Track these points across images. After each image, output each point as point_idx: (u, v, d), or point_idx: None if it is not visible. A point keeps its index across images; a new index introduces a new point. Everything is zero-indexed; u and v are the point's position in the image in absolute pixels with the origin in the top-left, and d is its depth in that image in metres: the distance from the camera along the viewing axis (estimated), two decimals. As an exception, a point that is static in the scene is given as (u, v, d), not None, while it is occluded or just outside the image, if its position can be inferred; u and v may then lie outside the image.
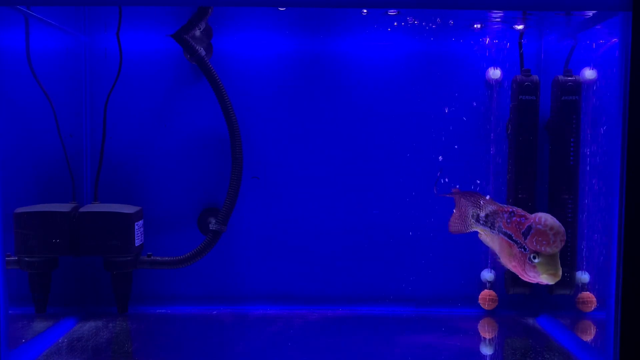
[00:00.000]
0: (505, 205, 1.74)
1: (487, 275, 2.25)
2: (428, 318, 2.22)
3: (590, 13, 1.88)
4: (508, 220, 1.70)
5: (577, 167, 2.15)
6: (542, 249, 1.57)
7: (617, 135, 1.58)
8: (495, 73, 2.22)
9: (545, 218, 1.59)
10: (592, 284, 2.17)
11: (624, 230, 1.56)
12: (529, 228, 1.60)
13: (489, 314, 2.25)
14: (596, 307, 2.16)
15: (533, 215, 1.62)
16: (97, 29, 2.23)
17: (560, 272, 1.59)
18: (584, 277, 2.17)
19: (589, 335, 2.05)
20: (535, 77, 2.15)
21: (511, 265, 1.70)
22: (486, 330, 2.14)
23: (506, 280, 2.22)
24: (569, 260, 2.15)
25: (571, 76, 2.14)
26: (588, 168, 2.16)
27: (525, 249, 1.61)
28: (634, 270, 1.56)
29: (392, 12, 2.09)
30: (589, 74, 2.15)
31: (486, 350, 1.97)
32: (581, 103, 2.14)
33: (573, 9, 1.83)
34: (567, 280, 2.14)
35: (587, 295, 2.17)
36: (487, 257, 2.27)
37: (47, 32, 2.15)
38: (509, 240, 1.69)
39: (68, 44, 2.22)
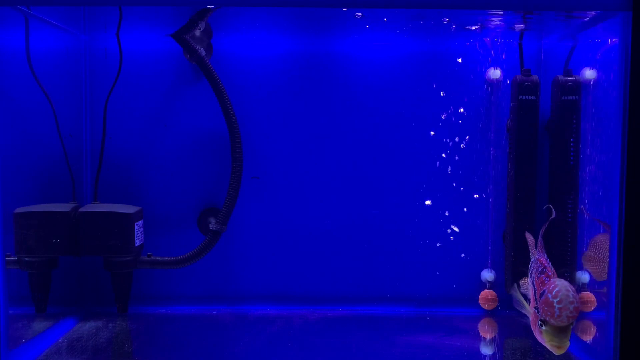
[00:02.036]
0: (545, 259, 1.68)
1: (487, 275, 2.25)
2: (428, 318, 2.22)
3: (591, 13, 1.88)
4: (538, 275, 1.64)
5: (577, 167, 2.15)
6: (548, 319, 1.51)
7: (617, 135, 1.58)
8: (495, 73, 2.22)
9: (558, 289, 1.51)
10: (592, 284, 2.17)
11: (624, 230, 1.55)
12: (543, 293, 1.54)
13: (489, 314, 2.25)
14: (596, 307, 2.16)
15: (553, 280, 1.56)
16: (97, 29, 2.23)
17: (564, 347, 1.52)
18: (584, 277, 2.17)
19: (589, 335, 2.05)
20: (535, 77, 2.15)
21: (530, 319, 1.65)
22: (486, 330, 2.14)
23: (506, 280, 2.22)
24: (569, 260, 2.15)
25: (571, 76, 2.14)
26: (588, 168, 2.16)
27: (538, 311, 1.56)
28: (634, 270, 1.56)
29: (358, 15, 2.11)
30: (589, 74, 2.15)
31: (486, 350, 1.97)
32: (581, 103, 2.14)
33: (573, 9, 1.83)
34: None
35: (587, 295, 2.17)
36: (487, 257, 2.27)
37: (47, 32, 2.15)
38: (533, 295, 1.64)
39: (68, 43, 2.22)
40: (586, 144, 2.15)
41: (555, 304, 1.50)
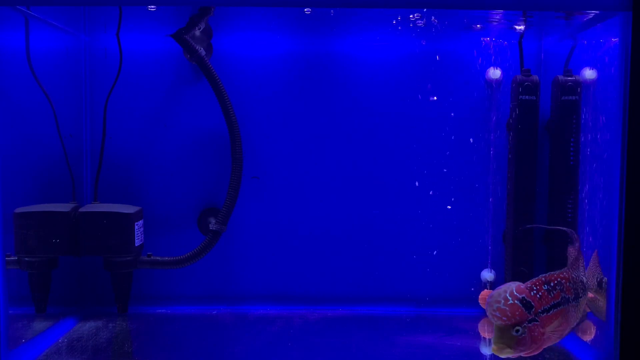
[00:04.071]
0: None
1: (487, 275, 2.25)
2: (428, 318, 2.22)
3: (591, 13, 1.88)
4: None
5: (577, 167, 2.15)
6: None
7: (617, 135, 1.59)
8: (495, 73, 2.22)
9: (501, 287, 1.52)
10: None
11: (624, 230, 1.55)
12: None
13: (489, 314, 2.25)
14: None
15: (513, 282, 1.56)
16: (97, 29, 2.23)
17: (498, 350, 1.50)
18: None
19: (589, 335, 2.05)
20: (535, 77, 2.15)
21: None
22: (486, 330, 2.14)
23: (506, 280, 2.22)
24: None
25: (571, 76, 2.14)
26: (588, 168, 2.16)
27: None
28: (634, 270, 1.56)
29: (307, 11, 2.13)
30: (589, 74, 2.14)
31: (486, 350, 1.97)
32: (581, 103, 2.14)
33: (573, 9, 1.83)
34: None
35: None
36: (487, 257, 2.27)
37: (47, 32, 2.15)
38: None
39: (68, 44, 2.22)
40: (586, 144, 2.15)
41: (488, 297, 1.51)
